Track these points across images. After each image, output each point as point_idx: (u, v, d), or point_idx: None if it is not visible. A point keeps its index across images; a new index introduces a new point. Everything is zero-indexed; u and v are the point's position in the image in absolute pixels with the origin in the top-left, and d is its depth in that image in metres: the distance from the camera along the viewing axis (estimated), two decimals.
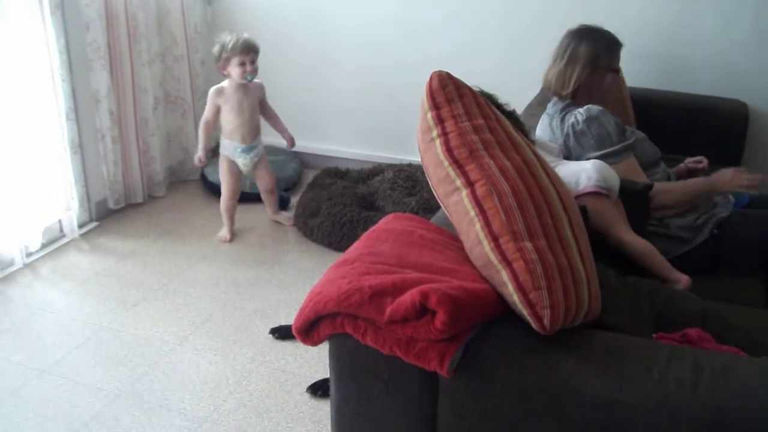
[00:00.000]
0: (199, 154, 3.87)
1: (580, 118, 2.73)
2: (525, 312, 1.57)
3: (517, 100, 2.79)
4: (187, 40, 4.48)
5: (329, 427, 1.84)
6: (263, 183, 4.07)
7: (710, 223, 2.69)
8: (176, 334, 3.10)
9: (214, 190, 4.38)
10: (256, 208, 4.27)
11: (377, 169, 4.42)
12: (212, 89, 3.81)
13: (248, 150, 3.92)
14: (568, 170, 2.49)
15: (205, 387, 2.77)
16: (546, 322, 1.55)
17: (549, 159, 2.36)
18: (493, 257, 1.62)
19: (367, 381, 1.68)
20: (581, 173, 2.47)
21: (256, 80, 3.84)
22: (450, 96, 1.78)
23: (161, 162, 4.42)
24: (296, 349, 2.98)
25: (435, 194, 1.82)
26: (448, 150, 1.73)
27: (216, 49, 3.69)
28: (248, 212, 4.24)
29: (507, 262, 1.60)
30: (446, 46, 4.27)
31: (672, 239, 2.69)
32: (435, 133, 1.77)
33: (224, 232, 3.98)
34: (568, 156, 2.77)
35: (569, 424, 1.52)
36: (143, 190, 4.32)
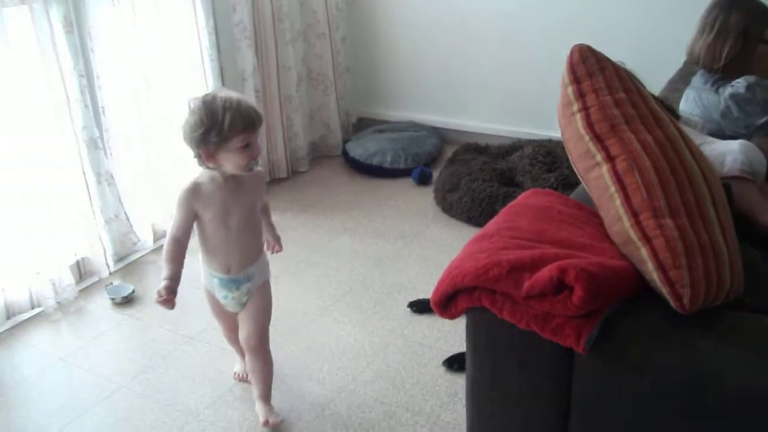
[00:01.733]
0: (162, 285, 2.27)
1: (740, 86, 2.64)
2: (664, 290, 1.54)
3: (658, 74, 2.72)
4: (329, 17, 4.56)
5: (464, 401, 1.86)
6: (244, 330, 2.53)
7: None
8: (317, 305, 3.19)
9: (355, 165, 4.47)
10: (396, 183, 4.34)
11: (516, 145, 4.38)
12: (184, 189, 2.31)
13: (233, 284, 2.46)
14: (714, 151, 2.41)
15: (343, 357, 2.84)
16: (686, 301, 1.51)
17: (693, 136, 2.29)
18: (633, 234, 1.59)
19: (502, 355, 1.69)
20: (727, 155, 2.38)
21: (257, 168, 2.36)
22: (591, 70, 1.76)
23: (304, 138, 4.54)
24: (433, 323, 3.01)
25: (575, 169, 1.81)
26: (589, 124, 1.71)
27: (193, 125, 2.19)
28: (389, 187, 4.32)
29: (647, 239, 1.57)
30: (588, 19, 4.18)
31: None
32: (576, 107, 1.75)
33: (238, 368, 2.79)
34: (726, 128, 2.67)
35: (704, 409, 1.48)
36: (287, 165, 4.44)
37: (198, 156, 2.24)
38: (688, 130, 2.14)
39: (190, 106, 2.21)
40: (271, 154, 4.35)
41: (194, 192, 2.31)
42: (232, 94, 2.23)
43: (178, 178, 3.68)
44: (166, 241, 2.32)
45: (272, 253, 2.64)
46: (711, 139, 2.50)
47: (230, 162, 2.24)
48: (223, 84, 3.92)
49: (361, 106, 5.08)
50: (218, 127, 2.15)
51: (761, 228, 2.32)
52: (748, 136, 2.65)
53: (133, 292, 3.31)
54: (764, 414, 1.41)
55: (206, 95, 2.21)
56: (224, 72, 3.94)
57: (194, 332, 3.02)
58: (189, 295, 2.94)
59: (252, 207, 2.41)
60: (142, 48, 3.51)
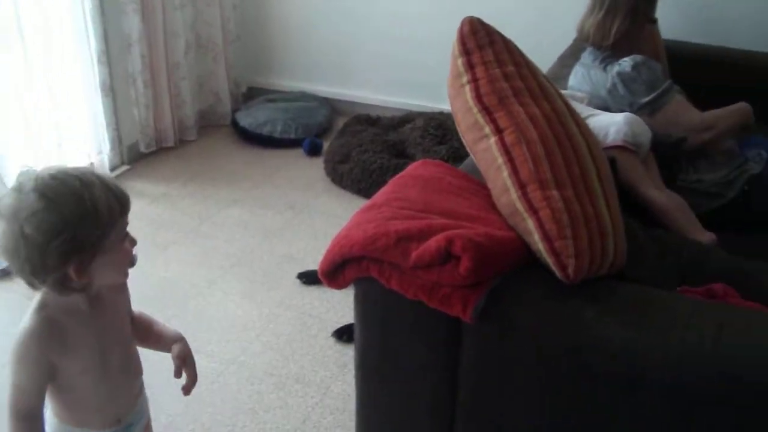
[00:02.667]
0: None
1: (627, 65, 2.70)
2: (550, 261, 1.57)
3: (550, 51, 2.76)
4: None
5: (353, 372, 1.86)
6: None
7: (742, 179, 2.67)
8: (205, 277, 3.13)
9: (245, 135, 4.40)
10: (286, 153, 4.29)
11: (408, 117, 4.40)
12: (29, 337, 1.46)
13: None
14: (598, 122, 2.47)
15: (232, 330, 2.81)
16: (570, 271, 1.54)
17: (579, 109, 2.34)
18: (520, 205, 1.61)
19: (391, 326, 1.69)
20: (611, 126, 2.45)
21: None
22: (481, 42, 1.76)
23: (192, 106, 4.43)
24: (323, 294, 3.01)
25: (464, 141, 1.82)
26: (478, 96, 1.72)
27: (49, 231, 1.35)
28: (278, 157, 4.26)
29: (533, 211, 1.59)
30: None
31: (703, 194, 2.67)
32: (465, 79, 1.75)
33: None
34: (612, 105, 2.74)
35: (589, 374, 1.53)
36: (175, 133, 4.33)
37: (57, 280, 1.40)
38: (573, 104, 2.19)
39: (23, 207, 1.35)
40: (158, 122, 4.24)
41: (48, 337, 1.46)
42: (69, 167, 1.43)
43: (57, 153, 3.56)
44: (9, 425, 1.50)
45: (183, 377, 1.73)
46: (597, 111, 2.56)
47: (111, 267, 1.50)
48: (107, 48, 3.79)
49: (251, 75, 4.99)
50: (94, 220, 1.38)
51: (642, 199, 2.40)
52: None
53: None
54: (644, 376, 1.46)
55: (44, 178, 1.37)
56: (108, 35, 3.80)
57: None
58: None
59: (128, 326, 1.69)
60: (18, 8, 3.33)
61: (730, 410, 1.45)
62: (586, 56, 2.88)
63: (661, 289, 1.69)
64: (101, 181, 1.42)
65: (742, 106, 2.80)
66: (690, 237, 2.38)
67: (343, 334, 2.75)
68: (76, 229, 1.36)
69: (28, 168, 1.41)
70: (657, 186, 2.49)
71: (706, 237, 2.38)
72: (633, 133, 2.44)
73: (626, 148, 2.42)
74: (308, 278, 3.09)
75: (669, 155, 2.58)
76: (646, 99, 2.68)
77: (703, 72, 3.38)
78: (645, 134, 2.49)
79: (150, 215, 3.57)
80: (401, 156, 3.99)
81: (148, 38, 4.05)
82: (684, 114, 2.72)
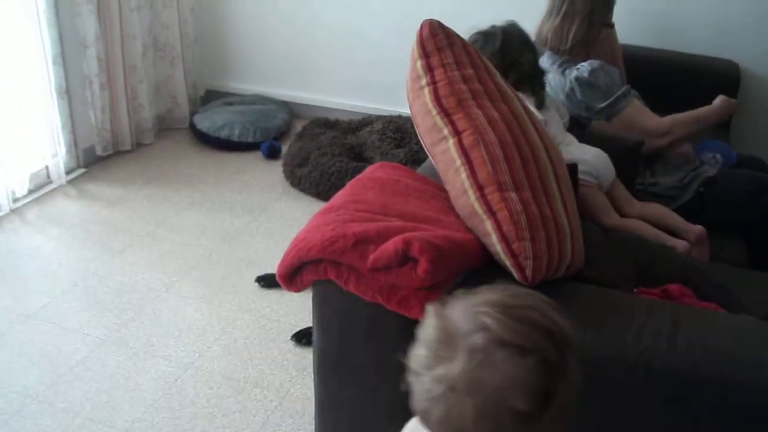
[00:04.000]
0: None
1: (584, 70, 2.72)
2: (508, 262, 1.58)
3: None
4: None
5: (312, 375, 1.85)
6: None
7: (696, 182, 2.71)
8: (162, 281, 3.10)
9: (203, 138, 4.36)
10: (244, 157, 4.26)
11: (366, 120, 4.40)
12: None
13: None
14: (569, 154, 2.48)
15: (190, 333, 2.78)
16: (528, 272, 1.56)
17: (557, 131, 2.39)
18: (478, 207, 1.62)
19: (349, 328, 1.69)
20: (579, 164, 2.46)
21: None
22: (440, 45, 1.77)
23: (150, 109, 4.38)
24: (282, 297, 2.99)
25: (422, 143, 1.82)
26: (437, 99, 1.73)
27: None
28: (236, 161, 4.23)
29: (491, 212, 1.60)
30: None
31: (659, 197, 2.70)
32: (424, 81, 1.76)
33: None
34: (570, 109, 2.75)
35: None
36: (131, 137, 4.28)
37: None
38: (554, 119, 2.24)
39: None
40: (114, 125, 4.18)
41: None
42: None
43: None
44: None
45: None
46: (570, 139, 2.57)
47: None
48: (63, 51, 3.73)
49: (209, 78, 4.96)
50: None
51: (607, 229, 2.42)
52: (589, 119, 2.75)
53: None
54: (600, 379, 1.46)
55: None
56: (63, 37, 3.75)
57: (32, 310, 2.87)
58: (27, 266, 2.81)
59: None
60: None
61: (686, 408, 1.46)
62: (545, 60, 2.90)
63: (618, 290, 1.70)
64: None
65: (702, 111, 2.86)
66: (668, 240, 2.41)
67: (302, 338, 2.74)
68: None
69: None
70: (628, 203, 2.53)
71: (679, 244, 2.41)
72: (598, 174, 2.47)
73: (589, 185, 2.45)
74: (267, 281, 3.07)
75: (627, 158, 2.61)
76: (603, 104, 2.71)
77: (660, 76, 3.44)
78: (610, 172, 2.52)
79: (106, 219, 3.52)
80: (360, 159, 3.98)
81: (105, 40, 4.00)
82: (641, 119, 2.75)
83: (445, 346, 1.03)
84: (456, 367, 1.00)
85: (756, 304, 1.80)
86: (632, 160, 2.65)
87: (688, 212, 2.66)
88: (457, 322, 1.04)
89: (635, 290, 1.90)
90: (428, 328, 1.08)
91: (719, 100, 2.87)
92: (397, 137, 4.04)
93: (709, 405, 1.44)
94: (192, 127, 4.49)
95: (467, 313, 1.04)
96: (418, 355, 1.08)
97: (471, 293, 1.07)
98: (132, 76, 4.21)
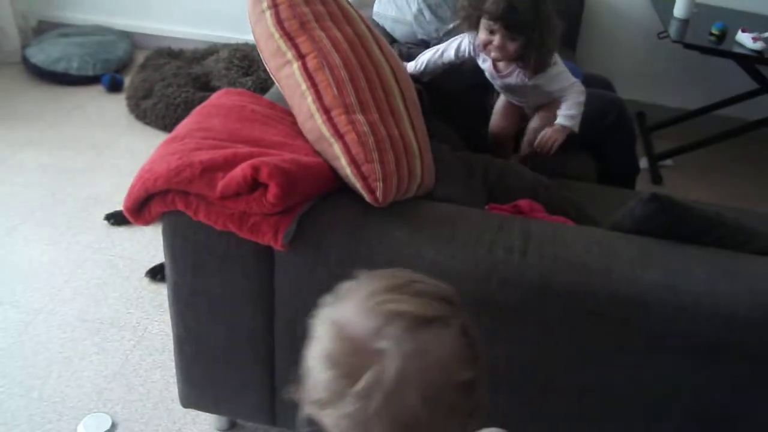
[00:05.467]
0: None
1: None
2: (358, 185, 1.58)
3: None
4: None
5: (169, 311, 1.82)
6: None
7: None
8: (3, 225, 2.95)
9: (38, 72, 4.14)
10: (84, 91, 4.08)
11: (212, 49, 4.29)
12: None
13: None
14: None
15: (38, 278, 2.67)
16: (378, 194, 1.56)
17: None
18: (326, 130, 1.61)
19: (202, 259, 1.66)
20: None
21: None
22: None
23: None
24: (133, 234, 2.91)
25: (267, 68, 1.79)
26: (279, 22, 1.69)
27: None
28: (76, 95, 4.05)
29: (339, 135, 1.59)
30: None
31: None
32: (265, 5, 1.72)
33: None
34: (418, 32, 2.72)
35: None
36: None
37: None
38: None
39: None
40: None
41: None
42: None
43: None
44: None
45: None
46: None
47: None
48: None
49: (40, 8, 4.69)
50: None
51: None
52: (438, 40, 2.75)
53: None
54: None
55: None
56: None
57: None
58: None
59: None
60: None
61: (541, 317, 1.53)
62: None
63: (469, 208, 1.74)
64: None
65: None
66: None
67: (157, 273, 2.68)
68: None
69: None
70: None
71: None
72: None
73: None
74: (116, 219, 2.98)
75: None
76: (453, 25, 2.70)
77: None
78: None
79: None
80: (206, 89, 3.88)
81: None
82: None
83: (356, 354, 0.94)
84: (385, 368, 0.91)
85: (603, 216, 1.88)
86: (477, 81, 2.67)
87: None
88: (357, 324, 0.95)
89: (486, 207, 1.95)
90: (324, 344, 0.97)
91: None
92: (245, 65, 3.97)
93: (561, 313, 1.51)
94: (25, 60, 4.24)
95: (363, 309, 0.96)
96: (323, 380, 0.95)
97: (338, 297, 1.00)
98: None
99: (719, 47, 3.27)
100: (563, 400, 1.65)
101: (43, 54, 4.18)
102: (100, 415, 2.14)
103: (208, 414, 2.12)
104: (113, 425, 2.12)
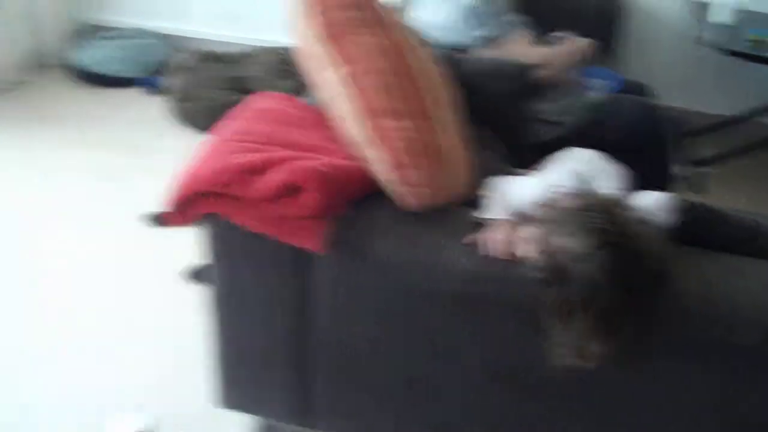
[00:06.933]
0: None
1: None
2: (398, 189, 1.58)
3: None
4: None
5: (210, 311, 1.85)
6: None
7: (582, 107, 2.74)
8: (44, 225, 3.00)
9: (81, 75, 4.21)
10: (125, 92, 4.14)
11: (250, 52, 4.31)
12: None
13: None
14: None
15: (79, 278, 2.73)
16: (415, 199, 1.57)
17: None
18: (364, 135, 1.62)
19: (238, 262, 1.69)
20: None
21: None
22: None
23: (21, 44, 4.19)
24: (174, 235, 2.90)
25: (306, 71, 1.80)
26: (324, 25, 1.70)
27: None
28: (118, 97, 4.10)
29: (378, 140, 1.60)
30: None
31: (545, 123, 2.73)
32: (309, 10, 1.73)
33: None
34: (452, 37, 2.73)
35: (438, 297, 1.58)
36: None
37: None
38: None
39: None
40: None
41: None
42: None
43: None
44: None
45: None
46: None
47: None
48: None
49: (85, 11, 4.75)
50: None
51: None
52: (477, 46, 2.73)
53: None
54: (487, 295, 1.52)
55: None
56: None
57: None
58: None
59: None
60: None
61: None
62: None
63: None
64: None
65: (578, 45, 2.87)
66: None
67: (199, 275, 2.68)
68: None
69: None
70: None
71: None
72: None
73: None
74: (157, 220, 3.00)
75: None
76: (485, 33, 2.70)
77: (545, 5, 3.44)
78: None
79: None
80: (246, 92, 3.90)
81: None
82: (522, 50, 2.76)
83: None
84: None
85: None
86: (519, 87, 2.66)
87: (575, 137, 2.71)
88: None
89: None
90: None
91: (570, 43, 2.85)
92: (283, 69, 3.99)
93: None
94: (66, 63, 4.30)
95: None
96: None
97: None
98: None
99: (761, 54, 3.23)
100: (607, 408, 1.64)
101: (86, 56, 4.24)
102: (140, 414, 2.18)
103: (246, 415, 2.13)
104: (151, 424, 2.15)
